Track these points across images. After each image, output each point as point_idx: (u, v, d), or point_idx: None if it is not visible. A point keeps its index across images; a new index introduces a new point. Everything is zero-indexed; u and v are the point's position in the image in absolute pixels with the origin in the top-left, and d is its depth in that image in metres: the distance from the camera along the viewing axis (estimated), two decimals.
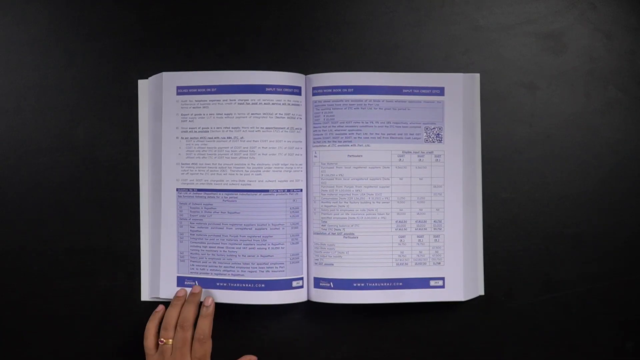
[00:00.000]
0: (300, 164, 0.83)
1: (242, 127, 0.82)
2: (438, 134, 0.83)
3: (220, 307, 0.83)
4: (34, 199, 0.85)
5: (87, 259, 0.85)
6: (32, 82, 0.85)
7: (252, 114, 0.81)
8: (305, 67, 0.84)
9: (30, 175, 0.85)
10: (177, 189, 0.83)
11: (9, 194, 0.85)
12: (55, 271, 0.85)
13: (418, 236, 0.83)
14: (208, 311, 0.79)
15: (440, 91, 0.83)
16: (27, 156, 0.85)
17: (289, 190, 0.82)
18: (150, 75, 0.85)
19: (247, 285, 0.82)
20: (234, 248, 0.82)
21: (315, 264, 0.83)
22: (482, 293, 0.85)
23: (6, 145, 0.85)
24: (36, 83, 0.85)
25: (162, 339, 0.78)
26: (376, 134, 0.82)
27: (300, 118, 0.83)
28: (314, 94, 0.82)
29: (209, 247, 0.83)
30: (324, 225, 0.82)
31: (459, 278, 0.83)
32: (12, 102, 0.85)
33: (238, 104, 0.82)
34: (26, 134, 0.85)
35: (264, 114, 0.81)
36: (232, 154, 0.82)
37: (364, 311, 0.84)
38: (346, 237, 0.82)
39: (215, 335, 0.84)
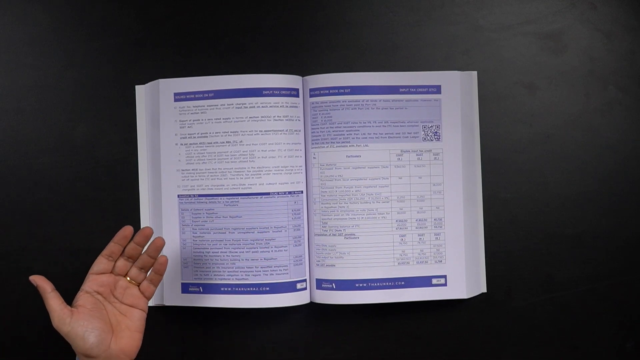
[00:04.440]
0: (300, 166, 0.85)
1: (241, 131, 0.84)
2: (436, 132, 0.85)
3: (223, 310, 0.86)
4: (34, 199, 0.87)
5: (87, 259, 0.86)
6: (32, 82, 0.88)
7: (250, 117, 0.84)
8: (305, 68, 0.87)
9: (30, 175, 0.88)
10: (178, 195, 0.85)
11: (9, 194, 0.88)
12: (55, 271, 0.87)
13: (419, 235, 0.85)
14: None
15: (437, 89, 0.85)
16: (27, 156, 0.88)
17: (290, 193, 0.84)
18: (150, 74, 0.87)
19: (251, 289, 0.84)
20: (237, 252, 0.84)
21: (317, 265, 0.85)
22: (485, 290, 0.87)
23: (6, 145, 0.88)
24: (36, 83, 0.88)
25: None
26: (374, 133, 0.84)
27: (299, 120, 0.85)
28: (311, 96, 0.85)
29: (212, 252, 0.85)
30: (325, 227, 0.85)
31: (462, 275, 0.85)
32: (12, 102, 0.88)
33: (236, 108, 0.84)
34: (26, 134, 0.88)
35: (262, 117, 0.83)
36: (231, 158, 0.84)
37: (366, 311, 0.87)
38: (347, 238, 0.84)
39: (218, 337, 0.87)
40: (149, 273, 0.78)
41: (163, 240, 0.76)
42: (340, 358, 0.88)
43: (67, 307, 0.73)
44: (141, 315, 0.77)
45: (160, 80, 0.86)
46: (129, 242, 0.76)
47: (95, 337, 0.72)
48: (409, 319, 0.88)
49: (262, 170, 0.84)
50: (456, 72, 0.86)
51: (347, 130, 0.84)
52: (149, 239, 0.76)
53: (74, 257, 0.88)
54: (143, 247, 0.77)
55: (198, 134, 0.85)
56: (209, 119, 0.85)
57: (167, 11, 0.88)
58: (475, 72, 0.87)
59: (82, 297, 0.75)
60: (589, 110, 0.87)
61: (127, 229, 0.75)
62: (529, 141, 0.87)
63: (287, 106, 0.84)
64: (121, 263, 0.77)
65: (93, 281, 0.76)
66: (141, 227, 0.86)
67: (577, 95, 0.87)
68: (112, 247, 0.76)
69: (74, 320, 0.72)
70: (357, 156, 0.84)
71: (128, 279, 0.77)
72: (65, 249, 0.87)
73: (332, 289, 0.85)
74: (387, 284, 0.85)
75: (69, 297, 0.87)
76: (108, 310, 0.76)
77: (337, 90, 0.84)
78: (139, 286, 0.77)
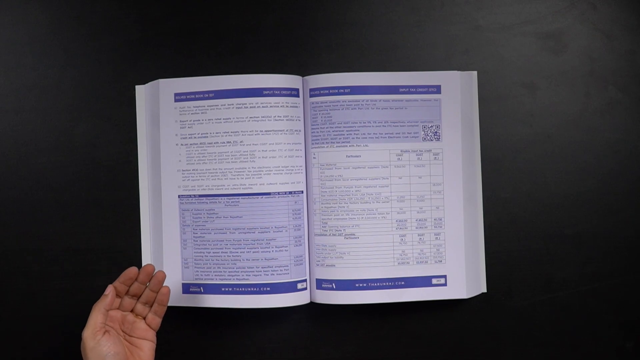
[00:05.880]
0: (301, 166, 0.85)
1: (241, 131, 0.84)
2: (436, 132, 0.86)
3: (223, 310, 0.86)
4: (34, 199, 0.88)
5: (87, 259, 0.88)
6: (32, 82, 0.88)
7: (250, 117, 0.84)
8: (305, 68, 0.87)
9: (30, 175, 0.88)
10: (178, 196, 0.86)
11: (9, 194, 0.88)
12: (55, 271, 0.88)
13: (419, 235, 0.86)
14: None
15: (437, 89, 0.86)
16: (27, 156, 0.88)
17: (290, 193, 0.85)
18: (150, 75, 0.87)
19: (252, 289, 0.85)
20: (237, 252, 0.85)
21: (317, 265, 0.86)
22: (485, 290, 0.88)
23: (6, 145, 0.88)
24: (36, 83, 0.88)
25: None
26: (374, 133, 0.85)
27: (299, 120, 0.85)
28: (311, 96, 0.85)
29: (213, 252, 0.85)
30: (325, 227, 0.85)
31: (461, 275, 0.86)
32: (12, 102, 0.88)
33: (236, 108, 0.84)
34: (26, 134, 0.88)
35: (263, 117, 0.84)
36: (232, 159, 0.84)
37: (366, 311, 0.87)
38: (347, 238, 0.85)
39: (218, 337, 0.88)
40: (153, 306, 0.80)
41: (164, 273, 0.79)
42: (340, 358, 0.88)
43: (105, 326, 0.75)
44: (151, 346, 0.79)
45: (160, 80, 0.86)
46: (134, 281, 0.78)
47: None
48: (409, 319, 0.88)
49: (262, 170, 0.84)
50: (456, 72, 0.86)
51: (347, 130, 0.85)
52: (151, 275, 0.78)
53: (74, 257, 0.88)
54: (146, 284, 0.79)
55: (198, 134, 0.85)
56: (209, 119, 0.85)
57: (167, 11, 0.88)
58: (475, 72, 0.87)
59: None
60: (589, 110, 0.88)
61: (132, 271, 0.77)
62: (529, 141, 0.88)
63: (287, 106, 0.84)
64: (126, 301, 0.79)
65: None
66: (141, 232, 0.88)
67: (577, 95, 0.88)
68: (118, 286, 0.78)
69: (104, 339, 0.74)
70: (357, 156, 0.85)
71: (134, 314, 0.80)
72: (65, 249, 0.88)
73: (332, 289, 0.85)
74: (387, 284, 0.85)
75: (68, 297, 0.88)
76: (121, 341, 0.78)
77: (337, 90, 0.84)
78: (144, 319, 0.80)
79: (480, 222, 0.87)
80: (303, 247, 0.86)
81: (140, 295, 0.79)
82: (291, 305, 0.85)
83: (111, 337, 0.75)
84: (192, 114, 0.85)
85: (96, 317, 0.75)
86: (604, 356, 0.88)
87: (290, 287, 0.85)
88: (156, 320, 0.80)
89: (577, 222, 0.88)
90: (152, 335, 0.80)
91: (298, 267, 0.85)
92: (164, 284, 0.79)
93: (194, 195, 0.85)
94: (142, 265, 0.88)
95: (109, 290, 0.76)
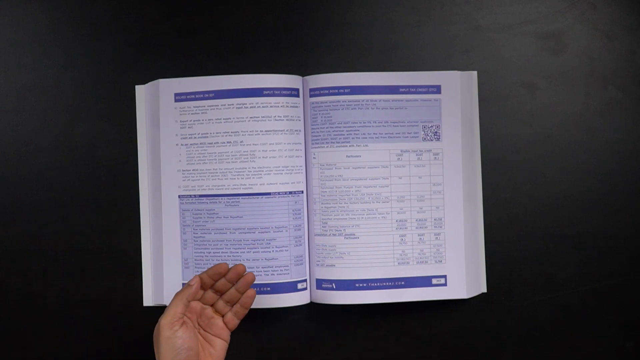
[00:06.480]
0: (301, 166, 0.85)
1: (242, 131, 0.84)
2: (436, 132, 0.86)
3: None
4: (34, 199, 0.88)
5: (87, 259, 0.88)
6: (32, 82, 0.88)
7: (250, 117, 0.84)
8: (305, 68, 0.87)
9: (30, 175, 0.88)
10: (179, 196, 0.86)
11: (9, 194, 0.88)
12: (55, 271, 0.88)
13: (419, 235, 0.86)
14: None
15: (437, 89, 0.86)
16: (27, 156, 0.88)
17: (290, 193, 0.85)
18: (150, 75, 0.87)
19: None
20: (238, 252, 0.85)
21: (317, 265, 0.86)
22: (485, 290, 0.88)
23: (6, 145, 0.88)
24: (36, 83, 0.88)
25: None
26: (374, 133, 0.85)
27: (299, 120, 0.85)
28: (311, 95, 0.85)
29: (213, 252, 0.86)
30: (325, 227, 0.85)
31: (461, 275, 0.86)
32: (12, 102, 0.88)
33: (236, 108, 0.84)
34: (26, 134, 0.88)
35: (263, 117, 0.84)
36: (232, 159, 0.85)
37: (366, 311, 0.87)
38: (347, 238, 0.85)
39: None
40: (234, 306, 0.79)
41: (253, 275, 0.77)
42: (340, 358, 0.88)
43: (183, 317, 0.74)
44: (223, 346, 0.78)
45: (160, 80, 0.86)
46: (221, 277, 0.77)
47: (185, 358, 0.72)
48: (409, 319, 0.88)
49: (262, 171, 0.84)
50: (456, 72, 0.86)
51: (347, 130, 0.85)
52: (240, 275, 0.77)
53: (74, 257, 0.88)
54: (233, 283, 0.78)
55: (199, 134, 0.85)
56: (209, 119, 0.85)
57: (167, 11, 0.88)
58: (475, 72, 0.87)
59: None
60: (589, 110, 0.88)
61: (223, 266, 0.76)
62: (529, 141, 0.88)
63: (287, 106, 0.84)
64: (209, 294, 0.78)
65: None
66: (141, 231, 0.88)
67: (577, 95, 0.88)
68: (205, 278, 0.76)
69: (181, 331, 0.73)
70: (357, 156, 0.85)
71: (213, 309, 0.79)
72: (65, 249, 0.88)
73: (332, 289, 0.85)
74: (387, 284, 0.85)
75: (68, 297, 0.88)
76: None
77: (337, 90, 0.85)
78: (223, 317, 0.79)
79: (480, 222, 0.88)
80: (303, 247, 0.86)
81: (224, 293, 0.78)
82: (291, 305, 0.85)
83: (188, 330, 0.73)
84: (192, 114, 0.85)
85: (176, 307, 0.73)
86: (604, 356, 0.88)
87: (290, 287, 0.85)
88: (234, 321, 0.78)
89: (577, 222, 0.88)
90: (226, 334, 0.78)
91: (298, 267, 0.85)
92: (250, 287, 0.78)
93: (194, 195, 0.86)
94: (142, 265, 0.88)
95: (195, 280, 0.75)
